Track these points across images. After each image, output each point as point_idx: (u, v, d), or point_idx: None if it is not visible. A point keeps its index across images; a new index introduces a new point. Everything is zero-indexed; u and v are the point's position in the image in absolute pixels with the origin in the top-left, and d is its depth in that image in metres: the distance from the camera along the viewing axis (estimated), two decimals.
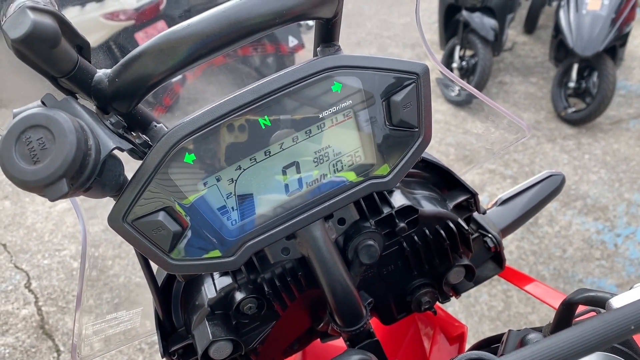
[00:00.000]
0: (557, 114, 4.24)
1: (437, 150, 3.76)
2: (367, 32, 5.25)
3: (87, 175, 0.43)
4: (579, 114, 4.05)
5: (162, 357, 0.67)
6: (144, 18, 3.67)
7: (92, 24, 3.39)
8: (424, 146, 0.56)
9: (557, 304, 0.59)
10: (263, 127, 0.51)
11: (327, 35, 0.58)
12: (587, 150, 3.85)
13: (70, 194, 0.43)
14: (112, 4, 3.60)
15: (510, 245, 3.06)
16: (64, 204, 3.54)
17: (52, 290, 2.92)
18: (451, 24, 4.66)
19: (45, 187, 0.41)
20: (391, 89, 0.53)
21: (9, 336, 2.67)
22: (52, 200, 0.42)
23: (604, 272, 2.86)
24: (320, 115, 0.52)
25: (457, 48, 4.58)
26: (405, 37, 5.58)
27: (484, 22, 4.32)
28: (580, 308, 0.56)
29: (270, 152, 0.52)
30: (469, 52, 4.61)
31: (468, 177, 3.60)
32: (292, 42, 4.02)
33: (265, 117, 0.51)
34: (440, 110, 4.36)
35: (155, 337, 0.68)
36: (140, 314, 0.77)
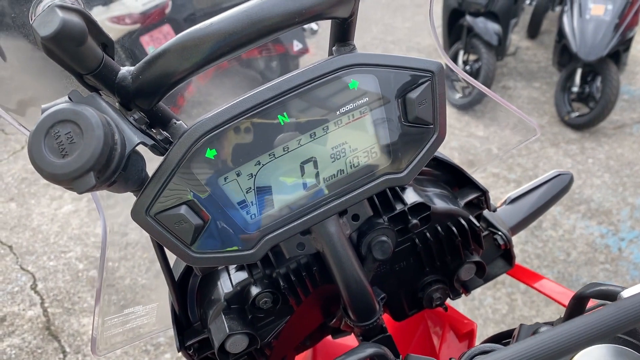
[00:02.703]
0: (560, 118, 4.25)
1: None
2: (372, 37, 5.26)
3: (113, 169, 0.44)
4: (582, 119, 4.06)
5: (179, 351, 0.68)
6: (150, 22, 3.70)
7: None
8: (439, 142, 0.57)
9: (566, 302, 0.60)
10: (282, 124, 0.52)
11: (343, 34, 0.59)
12: (591, 155, 3.86)
13: (97, 187, 0.45)
14: (119, 8, 3.63)
15: (514, 249, 3.06)
16: (69, 206, 3.56)
17: (57, 291, 2.93)
18: (455, 29, 4.68)
19: (73, 180, 0.42)
20: (407, 86, 0.54)
21: (15, 337, 2.68)
22: (80, 192, 0.43)
23: (608, 275, 2.86)
24: (337, 112, 0.53)
25: (461, 52, 4.60)
26: (409, 42, 5.59)
27: (488, 27, 4.34)
28: (592, 303, 0.57)
29: (288, 148, 0.53)
30: (472, 57, 4.62)
31: None
32: (297, 46, 4.04)
33: (284, 113, 0.52)
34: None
35: (161, 338, 0.69)
36: (156, 310, 0.78)
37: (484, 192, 0.74)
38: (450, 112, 4.42)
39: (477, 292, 2.79)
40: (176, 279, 0.68)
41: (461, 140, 4.02)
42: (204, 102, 2.76)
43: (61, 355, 2.60)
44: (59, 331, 2.71)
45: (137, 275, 2.76)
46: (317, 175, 0.55)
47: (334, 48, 0.60)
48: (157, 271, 0.66)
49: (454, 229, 0.70)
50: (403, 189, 0.69)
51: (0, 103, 0.63)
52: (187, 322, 0.70)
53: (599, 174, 3.65)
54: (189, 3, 3.95)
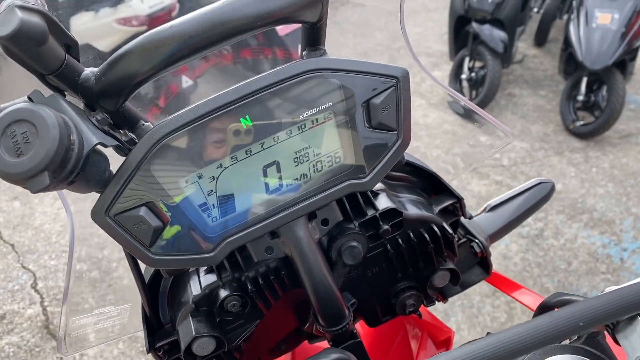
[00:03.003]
0: (565, 127, 4.23)
1: (444, 160, 3.76)
2: (376, 43, 5.27)
3: (69, 169, 0.45)
4: (587, 127, 4.04)
5: (148, 352, 0.68)
6: (156, 24, 3.71)
7: (105, 29, 3.44)
8: (403, 148, 0.57)
9: None
10: (244, 127, 0.52)
11: (313, 39, 0.59)
12: (595, 164, 3.83)
13: (52, 187, 0.45)
14: (125, 10, 3.66)
15: (515, 257, 3.05)
16: (73, 206, 3.58)
17: (57, 291, 2.95)
18: (461, 36, 4.67)
19: (27, 180, 0.43)
20: (371, 91, 0.54)
21: (14, 335, 2.70)
22: (34, 192, 0.44)
23: (608, 285, 2.84)
24: (301, 116, 0.53)
25: (467, 59, 4.59)
26: (419, 46, 5.59)
27: (494, 34, 4.33)
28: None
29: (251, 151, 0.53)
30: (478, 64, 4.62)
31: (475, 187, 3.59)
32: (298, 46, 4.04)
33: (247, 116, 0.52)
34: (448, 121, 4.36)
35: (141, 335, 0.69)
36: (129, 310, 0.79)
37: (459, 200, 0.74)
38: (455, 119, 4.41)
39: (475, 299, 2.78)
40: (147, 280, 0.68)
41: (464, 148, 4.00)
42: (195, 100, 2.76)
43: (59, 354, 2.61)
44: (58, 330, 2.72)
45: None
46: (280, 178, 0.55)
47: (304, 52, 0.60)
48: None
49: (426, 235, 0.70)
50: (375, 194, 0.69)
51: None
52: (158, 324, 0.70)
53: (603, 184, 3.62)
54: (197, 6, 3.96)
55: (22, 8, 0.44)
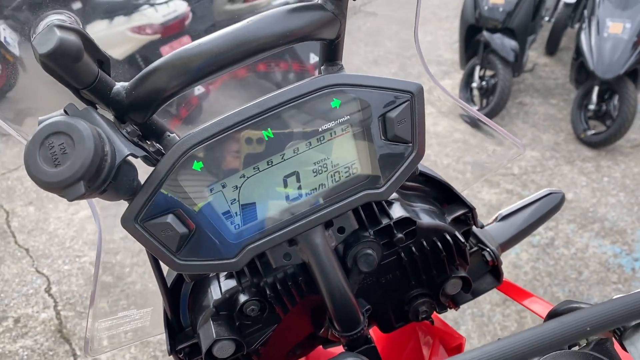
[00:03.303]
0: (576, 136, 4.22)
1: (455, 169, 3.77)
2: (386, 51, 5.30)
3: (102, 178, 0.47)
4: (598, 137, 4.03)
5: (169, 355, 0.70)
6: (170, 32, 3.77)
7: (119, 37, 3.50)
8: (418, 160, 0.59)
9: None
10: (266, 139, 0.55)
11: (330, 54, 0.62)
12: (607, 173, 3.83)
13: (87, 196, 0.48)
14: (139, 18, 3.71)
15: (526, 266, 3.05)
16: (86, 211, 3.63)
17: (71, 295, 2.99)
18: (472, 44, 4.68)
19: (64, 188, 0.45)
20: (387, 106, 0.57)
21: (28, 339, 2.74)
22: (70, 200, 0.46)
23: None
24: (320, 129, 0.56)
25: (477, 68, 4.60)
26: (430, 55, 5.61)
27: (505, 43, 4.34)
28: None
29: (272, 161, 0.56)
30: (489, 72, 4.62)
31: (485, 196, 3.60)
32: (314, 59, 4.08)
33: (269, 129, 0.55)
34: (459, 130, 4.37)
35: (164, 338, 0.72)
36: (150, 314, 0.81)
37: (471, 209, 0.76)
38: (466, 128, 4.41)
39: (486, 308, 2.78)
40: (169, 285, 0.71)
41: (475, 156, 4.01)
42: (213, 111, 2.80)
43: (72, 358, 2.65)
44: (71, 334, 2.76)
45: (148, 281, 2.81)
46: (299, 188, 0.57)
47: (322, 67, 0.63)
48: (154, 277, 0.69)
49: (439, 244, 0.72)
50: (390, 203, 0.71)
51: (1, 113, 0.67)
52: (178, 327, 0.73)
53: (614, 193, 3.61)
54: (209, 15, 4.02)
55: (60, 27, 0.46)
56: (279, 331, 0.73)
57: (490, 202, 3.53)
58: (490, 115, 4.31)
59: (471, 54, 4.72)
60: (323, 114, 0.56)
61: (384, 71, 4.87)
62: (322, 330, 0.76)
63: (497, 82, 4.38)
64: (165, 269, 0.70)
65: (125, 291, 2.62)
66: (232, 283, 0.68)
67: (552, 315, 0.57)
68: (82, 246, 3.34)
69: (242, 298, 0.67)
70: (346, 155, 0.58)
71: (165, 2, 3.69)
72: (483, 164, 0.92)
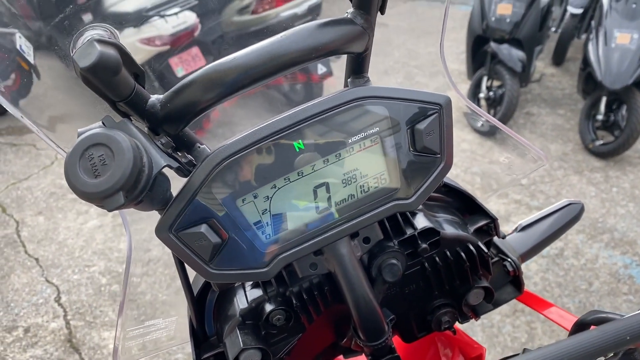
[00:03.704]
0: (584, 146, 4.23)
1: (463, 179, 3.78)
2: (394, 61, 5.33)
3: (140, 189, 0.48)
4: (607, 147, 4.03)
5: None
6: (179, 43, 3.80)
7: (129, 49, 3.52)
8: (446, 171, 0.60)
9: None
10: (297, 150, 0.56)
11: (358, 67, 0.63)
12: (615, 184, 3.82)
13: (125, 206, 0.49)
14: (149, 30, 3.74)
15: (535, 277, 3.04)
16: (95, 221, 3.65)
17: (80, 305, 2.99)
18: (479, 55, 4.70)
19: (104, 199, 0.46)
20: (416, 117, 0.58)
21: (38, 348, 2.74)
22: (110, 210, 0.47)
23: (631, 307, 2.82)
24: (350, 141, 0.57)
25: (485, 78, 4.62)
26: (432, 67, 5.64)
27: (512, 54, 4.36)
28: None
29: (302, 172, 0.56)
30: (496, 83, 4.64)
31: (494, 206, 3.60)
32: (321, 70, 4.11)
33: (300, 141, 0.56)
34: (466, 140, 4.38)
35: (189, 348, 0.72)
36: (175, 323, 0.82)
37: (493, 220, 0.77)
38: (473, 138, 4.42)
39: (496, 319, 2.77)
40: (195, 294, 0.71)
41: (483, 166, 4.02)
42: (229, 122, 2.82)
43: None
44: (80, 344, 2.76)
45: (158, 291, 2.81)
46: (329, 199, 0.58)
47: (349, 80, 0.64)
48: (177, 288, 0.70)
49: (462, 254, 0.72)
50: (414, 214, 0.72)
51: (35, 120, 0.68)
52: (203, 336, 0.73)
53: (624, 203, 3.61)
54: (217, 26, 4.06)
55: (100, 41, 0.48)
56: (303, 340, 0.73)
57: (499, 213, 3.53)
58: (494, 127, 4.30)
59: (478, 65, 4.74)
60: (353, 125, 0.57)
61: (392, 81, 4.89)
62: (345, 339, 0.76)
63: (504, 93, 4.39)
64: (190, 277, 0.71)
65: (136, 301, 2.63)
66: (258, 292, 0.69)
67: (580, 325, 0.58)
68: (92, 256, 3.35)
69: (269, 307, 0.68)
70: (375, 166, 0.59)
71: (175, 14, 3.72)
72: (502, 175, 0.93)
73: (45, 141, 0.65)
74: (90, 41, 0.48)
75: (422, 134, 0.58)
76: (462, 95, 0.87)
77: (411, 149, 0.59)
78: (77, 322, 2.90)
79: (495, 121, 0.91)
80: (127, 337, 0.77)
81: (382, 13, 0.60)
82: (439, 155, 0.59)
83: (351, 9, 0.59)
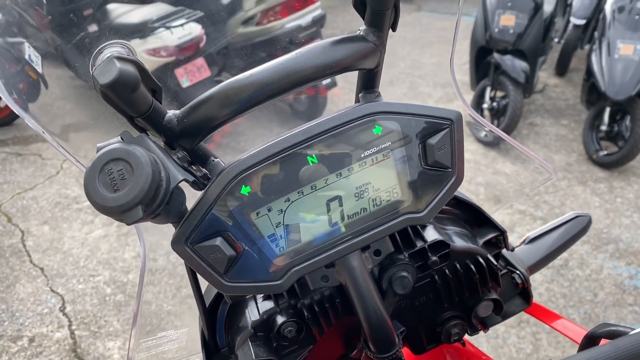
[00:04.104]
0: (588, 156, 4.23)
1: (467, 189, 3.78)
2: (399, 72, 5.36)
3: (158, 203, 0.49)
4: (611, 157, 4.03)
5: None
6: (184, 54, 3.83)
7: None
8: (457, 185, 0.61)
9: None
10: (311, 164, 0.57)
11: (369, 82, 0.64)
12: (620, 194, 3.82)
13: (143, 219, 0.50)
14: (154, 41, 3.77)
15: (540, 287, 3.03)
16: (100, 231, 3.66)
17: (85, 314, 3.00)
18: (482, 66, 4.72)
19: (122, 213, 0.47)
20: (427, 132, 0.59)
21: (43, 358, 2.74)
22: (129, 224, 0.48)
23: (637, 317, 2.81)
24: (362, 155, 0.58)
25: (488, 89, 4.63)
26: (435, 77, 5.66)
27: (515, 65, 4.37)
28: (604, 342, 0.59)
29: (316, 186, 0.57)
30: (499, 94, 4.65)
31: (498, 217, 3.59)
32: (325, 81, 4.13)
33: (313, 155, 0.57)
34: (470, 150, 4.39)
35: (199, 358, 0.73)
36: (186, 334, 0.83)
37: (502, 232, 0.77)
38: (477, 148, 4.43)
39: (500, 330, 2.76)
40: (207, 306, 0.72)
41: (487, 177, 4.02)
42: (234, 132, 2.83)
43: None
44: (85, 354, 2.76)
45: (163, 301, 2.81)
46: (341, 212, 0.59)
47: (360, 95, 0.65)
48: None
49: (472, 266, 0.73)
50: (424, 226, 0.72)
51: (52, 131, 0.69)
52: (215, 348, 0.74)
53: (628, 214, 3.60)
54: (223, 37, 4.09)
55: (120, 59, 0.49)
56: (313, 352, 0.74)
57: (504, 223, 3.52)
58: (498, 137, 4.31)
59: (481, 75, 4.75)
60: (365, 140, 0.58)
61: (398, 91, 4.90)
62: (355, 351, 0.77)
63: (507, 103, 4.40)
64: (202, 289, 0.71)
65: (141, 311, 2.63)
66: (269, 304, 0.70)
67: (590, 338, 0.58)
68: (97, 265, 3.36)
69: (280, 319, 0.68)
70: (387, 180, 0.59)
71: (181, 25, 3.74)
72: (506, 186, 0.93)
73: (62, 153, 0.66)
74: (109, 58, 0.49)
75: (434, 149, 0.59)
76: (468, 107, 0.89)
77: (422, 164, 0.60)
78: (82, 332, 2.90)
79: (503, 134, 0.92)
80: (140, 347, 0.78)
81: (394, 30, 0.61)
82: (450, 170, 0.60)
83: (363, 27, 0.60)
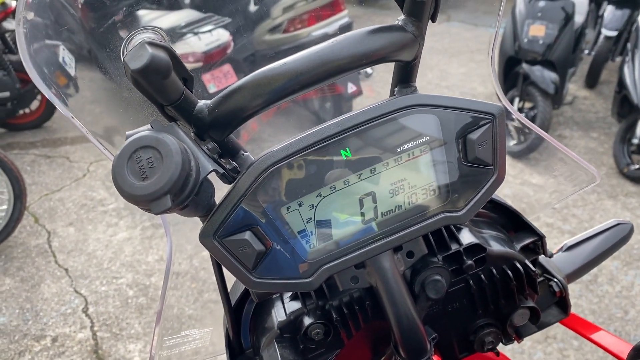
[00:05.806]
0: (619, 170, 4.13)
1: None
2: (427, 81, 5.32)
3: (187, 193, 0.48)
4: None
5: None
6: (211, 60, 3.85)
7: None
8: (498, 183, 0.58)
9: (625, 356, 0.59)
10: (344, 158, 0.54)
11: (405, 76, 0.62)
12: None
13: (171, 210, 0.48)
14: (182, 47, 3.80)
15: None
16: (124, 233, 3.68)
17: (107, 316, 3.01)
18: (511, 76, 4.65)
19: (151, 202, 0.46)
20: (467, 127, 0.56)
21: (65, 358, 2.76)
22: (156, 214, 0.46)
23: None
24: (398, 149, 0.55)
25: (516, 100, 4.56)
26: (463, 87, 5.61)
27: (545, 75, 4.30)
28: None
29: (349, 181, 0.55)
30: (528, 104, 4.58)
31: None
32: (351, 88, 4.12)
33: (347, 148, 0.54)
34: None
35: (221, 359, 0.71)
36: (210, 334, 0.81)
37: (540, 237, 0.74)
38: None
39: (526, 345, 2.69)
40: (232, 305, 0.70)
41: (514, 188, 3.95)
42: (259, 139, 2.83)
43: None
44: (106, 355, 2.77)
45: (185, 305, 2.81)
46: (375, 209, 0.57)
47: (396, 89, 0.62)
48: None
49: (509, 272, 0.69)
50: (459, 229, 0.69)
51: (86, 126, 0.68)
52: (239, 348, 0.72)
53: None
54: (249, 44, 4.11)
55: (152, 44, 0.47)
56: (341, 357, 0.71)
57: None
58: (530, 148, 4.24)
59: (510, 86, 4.69)
60: (402, 134, 0.55)
61: None
62: (384, 357, 0.74)
63: (536, 114, 4.33)
64: (228, 287, 0.70)
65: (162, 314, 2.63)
66: (296, 305, 0.67)
67: (638, 350, 0.54)
68: (120, 268, 3.37)
69: (307, 321, 0.66)
70: (424, 176, 0.57)
71: (209, 31, 3.78)
72: (533, 198, 0.90)
73: (93, 142, 0.65)
74: (141, 44, 0.47)
75: (475, 145, 0.56)
76: (511, 107, 0.85)
77: (462, 160, 0.57)
78: (104, 333, 2.91)
79: (544, 134, 0.88)
80: (164, 346, 0.76)
81: (434, 21, 0.59)
82: (491, 167, 0.57)
83: (402, 16, 0.57)
